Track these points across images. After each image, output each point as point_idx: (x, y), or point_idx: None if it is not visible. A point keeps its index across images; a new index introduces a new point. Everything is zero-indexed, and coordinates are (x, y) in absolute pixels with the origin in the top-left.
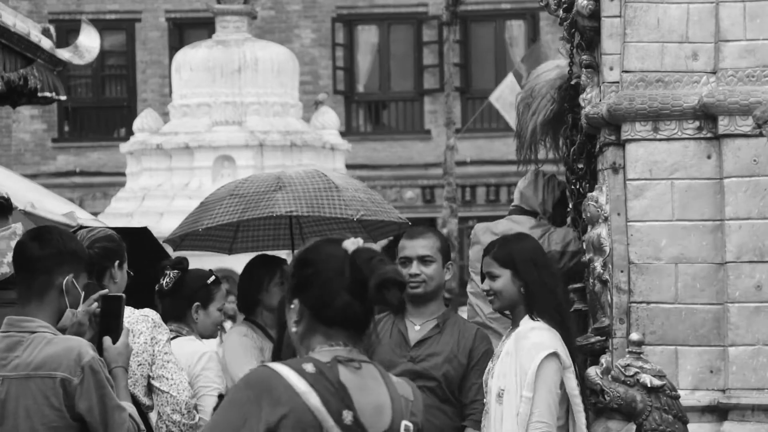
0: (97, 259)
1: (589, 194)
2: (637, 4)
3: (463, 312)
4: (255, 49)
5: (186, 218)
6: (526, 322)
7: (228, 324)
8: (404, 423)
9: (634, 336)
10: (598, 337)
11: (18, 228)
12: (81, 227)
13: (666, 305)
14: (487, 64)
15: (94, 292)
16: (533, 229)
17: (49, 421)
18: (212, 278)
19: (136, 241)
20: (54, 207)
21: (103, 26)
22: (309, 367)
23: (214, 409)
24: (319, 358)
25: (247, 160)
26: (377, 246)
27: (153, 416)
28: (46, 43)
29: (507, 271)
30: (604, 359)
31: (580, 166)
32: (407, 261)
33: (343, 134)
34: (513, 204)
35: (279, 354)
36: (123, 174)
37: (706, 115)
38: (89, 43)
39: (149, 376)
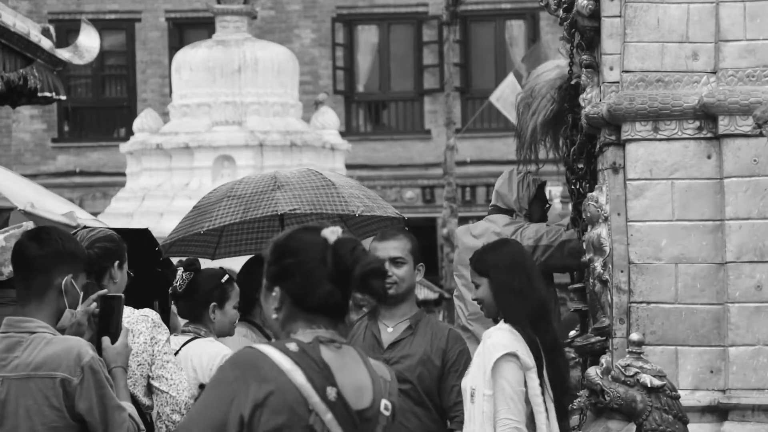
0: (97, 259)
1: (589, 194)
2: (637, 4)
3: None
4: (255, 49)
5: (181, 222)
6: (490, 330)
7: None
8: (384, 402)
9: (634, 336)
10: (598, 337)
11: (29, 226)
12: (84, 227)
13: (666, 305)
14: (487, 64)
15: (94, 292)
16: (507, 226)
17: (49, 421)
18: (226, 277)
19: (137, 242)
20: (54, 207)
21: (103, 26)
22: (292, 347)
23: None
24: (302, 339)
25: (247, 160)
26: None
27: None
28: (46, 43)
29: (485, 279)
30: (604, 359)
31: (580, 166)
32: None
33: (343, 134)
34: (491, 204)
35: None
36: (123, 174)
37: (706, 115)
38: (89, 43)
39: (149, 376)
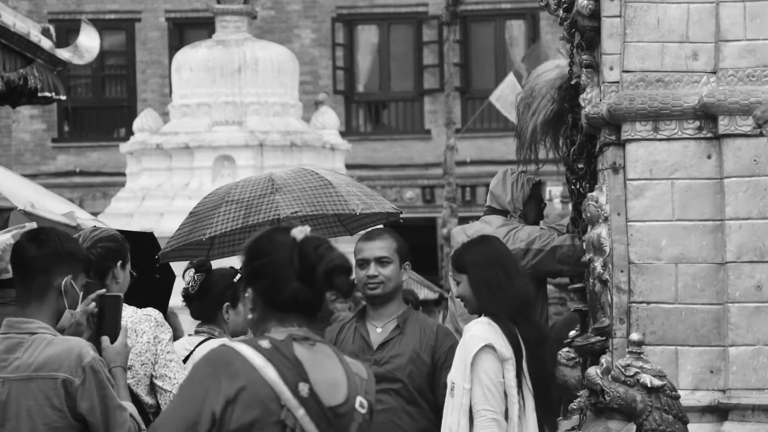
0: (100, 259)
1: (589, 194)
2: (637, 4)
3: None
4: (255, 49)
5: (178, 230)
6: (469, 324)
7: None
8: (359, 399)
9: (634, 336)
10: (598, 337)
11: (34, 227)
12: (94, 228)
13: (666, 305)
14: (487, 64)
15: (93, 292)
16: (500, 228)
17: (51, 422)
18: (238, 276)
19: (139, 245)
20: (54, 207)
21: (102, 26)
22: (265, 344)
23: None
24: (275, 336)
25: (247, 160)
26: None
27: None
28: (46, 43)
29: (464, 276)
30: (604, 359)
31: (580, 166)
32: (364, 263)
33: (343, 134)
34: (486, 204)
35: None
36: (123, 174)
37: (707, 115)
38: (89, 43)
39: (152, 376)
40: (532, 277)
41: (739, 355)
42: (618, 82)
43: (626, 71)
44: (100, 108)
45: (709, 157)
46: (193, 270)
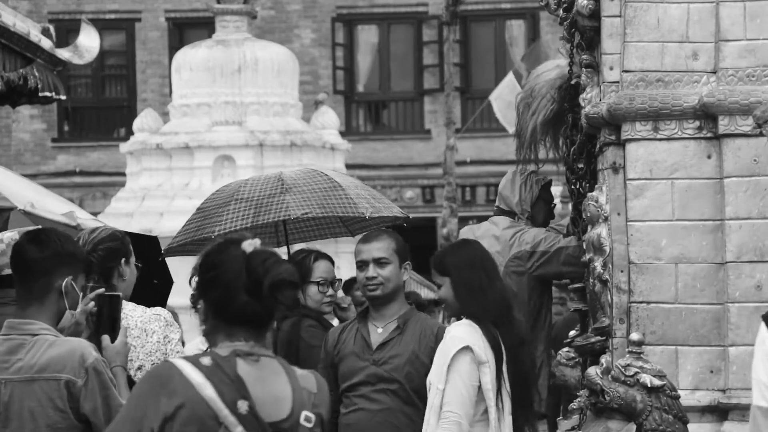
0: (102, 261)
1: (589, 194)
2: (637, 4)
3: None
4: (255, 49)
5: (185, 225)
6: (451, 326)
7: None
8: (304, 413)
9: (634, 336)
10: (598, 337)
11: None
12: (93, 230)
13: (666, 305)
14: (487, 64)
15: (110, 298)
16: (506, 229)
17: (54, 423)
18: None
19: (139, 246)
20: (54, 207)
21: (102, 26)
22: (206, 361)
23: None
24: (219, 352)
25: (247, 160)
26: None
27: None
28: (46, 43)
29: (446, 278)
30: (604, 359)
31: (580, 166)
32: (363, 264)
33: (343, 134)
34: (495, 205)
35: (275, 352)
36: (123, 174)
37: (706, 115)
38: (89, 42)
39: None
40: (537, 279)
41: (739, 355)
42: (618, 82)
43: (626, 71)
44: (100, 108)
45: (709, 157)
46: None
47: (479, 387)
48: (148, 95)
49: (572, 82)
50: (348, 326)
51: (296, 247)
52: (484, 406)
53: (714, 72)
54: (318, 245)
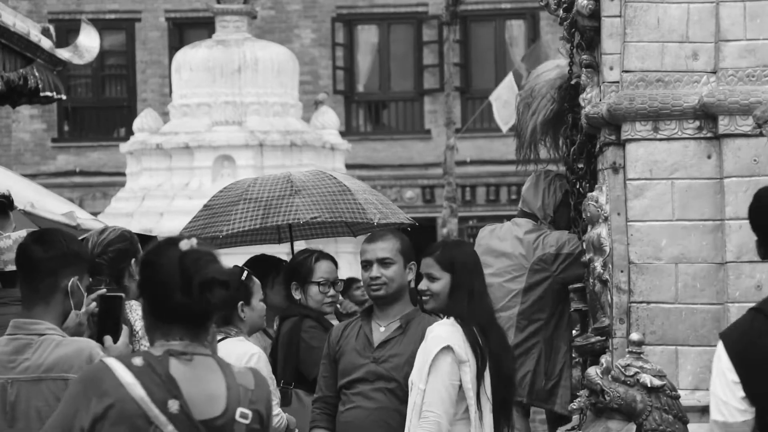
0: (112, 263)
1: (589, 194)
2: (637, 4)
3: None
4: (255, 49)
5: (192, 222)
6: (434, 324)
7: None
8: (240, 410)
9: (634, 336)
10: (598, 337)
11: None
12: (105, 228)
13: (666, 305)
14: (487, 64)
15: (112, 299)
16: (529, 233)
17: None
18: (245, 273)
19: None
20: (54, 207)
21: (102, 26)
22: (137, 361)
23: None
24: (153, 352)
25: (247, 160)
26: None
27: None
28: (46, 43)
29: (447, 274)
30: (604, 359)
31: (580, 166)
32: (368, 264)
33: (343, 134)
34: (518, 207)
35: (275, 352)
36: (123, 174)
37: (706, 115)
38: (89, 42)
39: None
40: (560, 282)
41: None
42: (618, 82)
43: (626, 71)
44: (100, 108)
45: (709, 157)
46: None
47: (460, 386)
48: (148, 95)
49: (572, 82)
50: (352, 323)
51: (299, 244)
52: (466, 404)
53: (714, 72)
54: (319, 244)
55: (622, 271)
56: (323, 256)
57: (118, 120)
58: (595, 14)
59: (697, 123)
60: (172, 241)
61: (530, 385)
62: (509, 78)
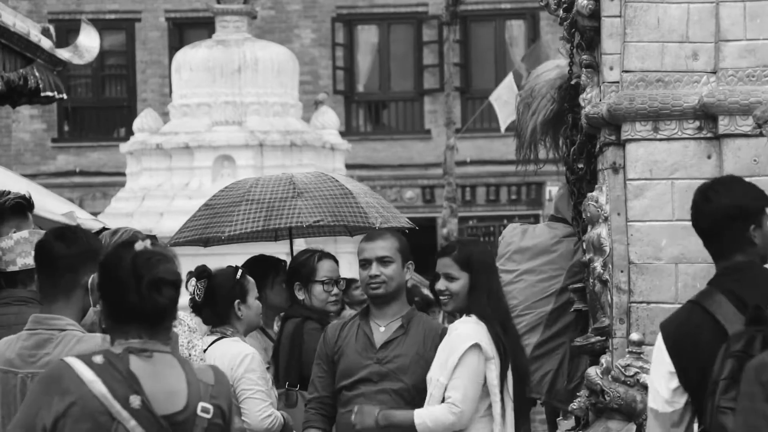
0: None
1: (589, 194)
2: (637, 4)
3: None
4: (255, 49)
5: (192, 221)
6: (457, 322)
7: None
8: (201, 404)
9: (634, 336)
10: (598, 337)
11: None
12: (114, 232)
13: (666, 305)
14: (487, 64)
15: None
16: (569, 237)
17: None
18: (240, 272)
19: None
20: (54, 207)
21: (102, 26)
22: (98, 359)
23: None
24: (113, 350)
25: (247, 160)
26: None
27: None
28: (46, 43)
29: (465, 274)
30: (604, 359)
31: (580, 166)
32: (366, 263)
33: (343, 134)
34: (551, 213)
35: (277, 354)
36: (123, 174)
37: (707, 115)
38: (89, 42)
39: None
40: None
41: None
42: (618, 82)
43: (626, 71)
44: (100, 108)
45: (709, 157)
46: (194, 278)
47: (483, 384)
48: (148, 95)
49: (572, 82)
50: (348, 323)
51: (297, 243)
52: (488, 402)
53: (714, 72)
54: (319, 244)
55: (622, 271)
56: (325, 255)
57: (118, 120)
58: (595, 14)
59: (697, 123)
60: (128, 243)
61: (550, 384)
62: (509, 78)
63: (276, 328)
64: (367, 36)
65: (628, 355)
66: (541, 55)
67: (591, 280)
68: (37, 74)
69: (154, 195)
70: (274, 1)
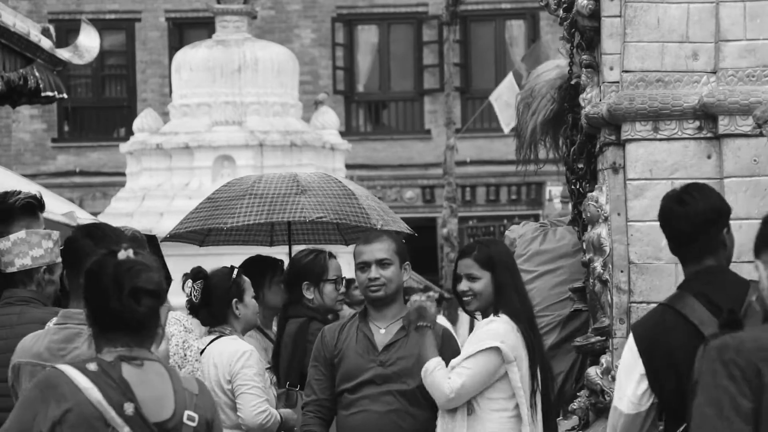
0: None
1: (589, 194)
2: (637, 4)
3: None
4: (255, 49)
5: (194, 213)
6: (489, 318)
7: None
8: (187, 413)
9: None
10: (598, 337)
11: (55, 235)
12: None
13: None
14: (487, 64)
15: None
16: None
17: None
18: (236, 271)
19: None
20: (54, 207)
21: (102, 26)
22: (92, 366)
23: None
24: (104, 358)
25: (247, 160)
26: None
27: None
28: (46, 43)
29: (487, 273)
30: (604, 359)
31: (580, 166)
32: (365, 266)
33: (343, 134)
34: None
35: (278, 354)
36: (123, 174)
37: (706, 115)
38: (89, 42)
39: None
40: None
41: None
42: (618, 82)
43: (626, 71)
44: (100, 108)
45: (709, 157)
46: (191, 280)
47: (498, 381)
48: (148, 95)
49: (572, 82)
50: (347, 325)
51: (297, 248)
52: (515, 402)
53: (714, 72)
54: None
55: (622, 271)
56: (332, 254)
57: (118, 120)
58: (595, 14)
59: (697, 123)
60: (111, 252)
61: (560, 386)
62: (510, 79)
63: (274, 328)
64: (367, 36)
65: None
66: (541, 55)
67: (591, 280)
68: (37, 74)
69: (154, 195)
70: (274, 1)
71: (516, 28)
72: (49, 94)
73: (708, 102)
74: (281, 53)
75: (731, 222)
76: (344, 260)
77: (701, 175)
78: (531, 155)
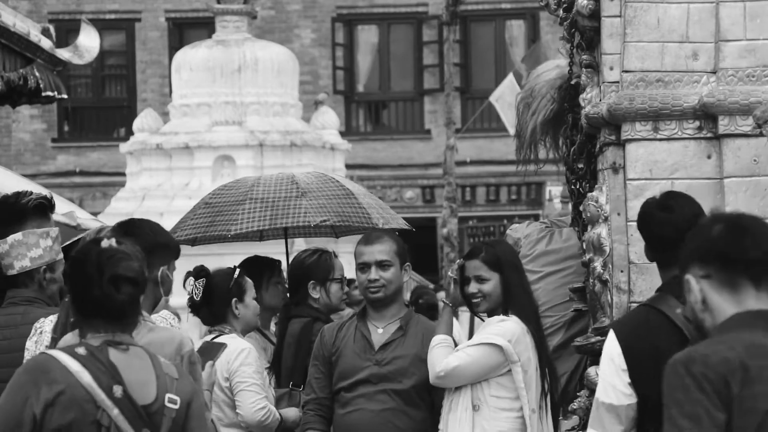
0: None
1: (589, 194)
2: (637, 4)
3: None
4: (255, 49)
5: (194, 219)
6: (501, 317)
7: None
8: (168, 396)
9: None
10: (598, 337)
11: (53, 232)
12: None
13: None
14: (487, 64)
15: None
16: None
17: None
18: (237, 271)
19: None
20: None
21: (102, 26)
22: (81, 350)
23: None
24: (91, 342)
25: (247, 160)
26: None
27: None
28: (46, 43)
29: (496, 274)
30: None
31: (580, 166)
32: (365, 267)
33: (343, 134)
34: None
35: (280, 354)
36: (123, 174)
37: (706, 115)
38: (89, 42)
39: None
40: None
41: None
42: (618, 82)
43: (626, 71)
44: (100, 108)
45: (709, 157)
46: (192, 278)
47: (498, 377)
48: (148, 95)
49: (572, 82)
50: (345, 324)
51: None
52: (520, 404)
53: (714, 72)
54: (319, 244)
55: (622, 271)
56: (335, 254)
57: (118, 120)
58: (595, 14)
59: (697, 123)
60: (95, 240)
61: (564, 386)
62: (511, 79)
63: (272, 328)
64: (367, 36)
65: None
66: (541, 55)
67: (591, 280)
68: (37, 74)
69: (154, 195)
70: (274, 1)
71: (516, 28)
72: (49, 94)
73: (708, 102)
74: (281, 53)
75: None
76: (345, 260)
77: (701, 175)
78: (531, 155)
